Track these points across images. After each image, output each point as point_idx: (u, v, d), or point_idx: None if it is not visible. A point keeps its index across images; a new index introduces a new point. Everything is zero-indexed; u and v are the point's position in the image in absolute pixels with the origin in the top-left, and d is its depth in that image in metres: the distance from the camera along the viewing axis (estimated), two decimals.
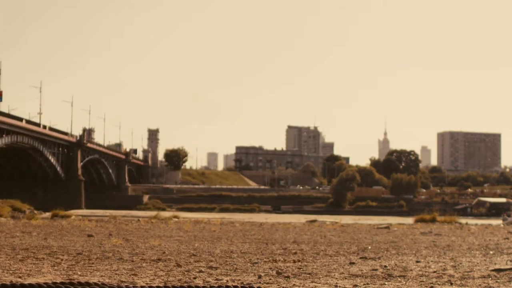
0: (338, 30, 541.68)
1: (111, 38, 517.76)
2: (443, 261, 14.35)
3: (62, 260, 13.11)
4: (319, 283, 9.92)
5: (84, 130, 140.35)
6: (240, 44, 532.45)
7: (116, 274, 10.74)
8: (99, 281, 8.74)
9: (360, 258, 14.91)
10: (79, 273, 10.81)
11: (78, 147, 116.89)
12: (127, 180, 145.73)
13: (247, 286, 8.65)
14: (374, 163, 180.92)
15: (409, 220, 53.36)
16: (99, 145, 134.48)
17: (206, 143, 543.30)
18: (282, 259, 14.18)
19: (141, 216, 58.64)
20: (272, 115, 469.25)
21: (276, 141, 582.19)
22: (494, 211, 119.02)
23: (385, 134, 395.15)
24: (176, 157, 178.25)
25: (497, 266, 12.82)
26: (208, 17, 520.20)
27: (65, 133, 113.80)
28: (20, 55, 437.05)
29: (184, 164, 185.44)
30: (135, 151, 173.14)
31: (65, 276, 10.32)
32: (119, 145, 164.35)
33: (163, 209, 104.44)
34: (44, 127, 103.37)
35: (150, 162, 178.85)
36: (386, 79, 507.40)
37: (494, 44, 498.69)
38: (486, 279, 10.83)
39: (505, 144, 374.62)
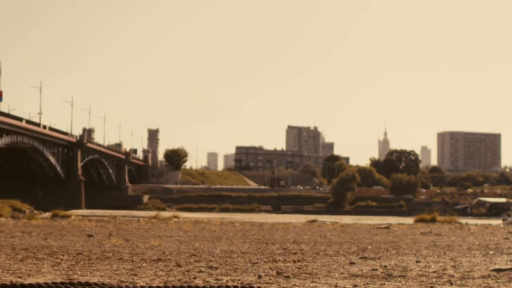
0: (338, 30, 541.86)
1: (111, 38, 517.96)
2: (443, 261, 14.35)
3: (62, 260, 13.11)
4: (319, 283, 9.92)
5: (84, 130, 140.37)
6: (240, 44, 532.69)
7: (116, 274, 10.74)
8: (99, 281, 8.74)
9: (360, 258, 14.91)
10: (79, 273, 10.81)
11: (78, 147, 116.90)
12: (127, 180, 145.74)
13: (247, 286, 8.65)
14: (374, 163, 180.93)
15: (409, 220, 53.36)
16: (99, 145, 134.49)
17: (206, 143, 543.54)
18: (282, 259, 14.18)
19: (141, 216, 58.64)
20: (272, 115, 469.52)
21: (276, 141, 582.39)
22: (494, 211, 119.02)
23: (385, 134, 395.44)
24: (176, 157, 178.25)
25: (497, 266, 12.82)
26: (208, 17, 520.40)
27: (65, 133, 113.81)
28: (20, 55, 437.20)
29: (184, 164, 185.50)
30: (135, 151, 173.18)
31: (65, 276, 10.32)
32: (119, 145, 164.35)
33: (163, 209, 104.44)
34: (44, 127, 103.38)
35: (150, 162, 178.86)
36: (386, 79, 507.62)
37: (494, 44, 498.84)
38: (486, 279, 10.83)
39: (505, 144, 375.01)
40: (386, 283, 10.13)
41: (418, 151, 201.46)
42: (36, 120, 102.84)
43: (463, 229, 33.53)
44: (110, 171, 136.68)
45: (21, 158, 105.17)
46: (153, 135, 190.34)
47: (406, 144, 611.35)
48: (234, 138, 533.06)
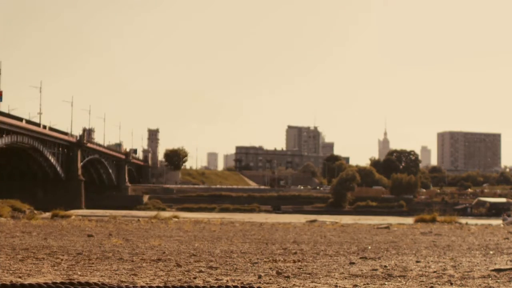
0: (338, 30, 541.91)
1: (111, 38, 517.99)
2: (443, 261, 14.35)
3: (62, 260, 13.11)
4: (319, 283, 9.92)
5: (84, 130, 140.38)
6: (240, 44, 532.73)
7: (116, 274, 10.74)
8: (99, 281, 8.74)
9: (360, 258, 14.90)
10: (79, 273, 10.81)
11: (78, 147, 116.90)
12: (127, 180, 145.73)
13: (247, 286, 8.65)
14: (374, 163, 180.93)
15: (409, 220, 53.34)
16: (99, 145, 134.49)
17: (206, 143, 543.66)
18: (282, 259, 14.17)
19: (141, 216, 58.63)
20: (272, 115, 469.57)
21: (276, 141, 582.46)
22: (494, 211, 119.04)
23: (385, 134, 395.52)
24: (176, 157, 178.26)
25: (497, 266, 12.82)
26: (208, 17, 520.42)
27: (65, 133, 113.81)
28: (20, 55, 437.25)
29: (184, 164, 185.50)
30: (135, 151, 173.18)
31: (65, 276, 10.32)
32: (119, 145, 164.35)
33: (163, 209, 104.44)
34: (44, 127, 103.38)
35: (150, 162, 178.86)
36: (386, 79, 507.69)
37: (494, 44, 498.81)
38: (486, 279, 10.83)
39: (505, 144, 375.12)
40: (386, 283, 10.13)
41: (418, 151, 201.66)
42: (36, 120, 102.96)
43: (463, 229, 33.52)
44: (110, 171, 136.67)
45: (21, 158, 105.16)
46: (153, 135, 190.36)
47: (406, 144, 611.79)
48: (234, 138, 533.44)
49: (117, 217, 46.80)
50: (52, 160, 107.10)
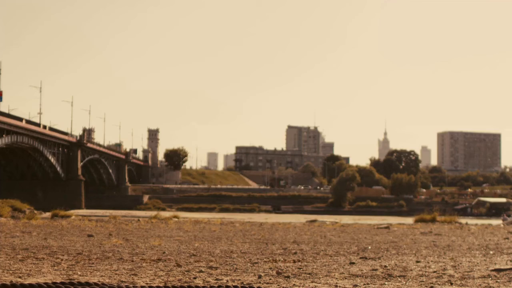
0: (338, 30, 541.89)
1: (110, 37, 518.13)
2: (443, 261, 14.35)
3: (62, 260, 13.10)
4: (319, 283, 9.92)
5: (84, 130, 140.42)
6: (240, 44, 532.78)
7: (116, 274, 10.73)
8: (99, 281, 8.73)
9: (360, 258, 14.90)
10: (79, 273, 10.81)
11: (78, 147, 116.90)
12: (127, 180, 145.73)
13: (247, 286, 8.65)
14: (374, 163, 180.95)
15: (409, 220, 53.29)
16: (99, 145, 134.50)
17: (206, 143, 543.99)
18: (282, 259, 14.17)
19: (141, 216, 58.62)
20: (272, 115, 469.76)
21: (276, 141, 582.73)
22: (494, 211, 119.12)
23: (385, 134, 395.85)
24: (176, 157, 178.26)
25: (497, 266, 12.81)
26: (208, 17, 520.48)
27: (65, 133, 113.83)
28: (20, 55, 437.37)
29: (184, 164, 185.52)
30: (135, 151, 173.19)
31: (65, 276, 10.32)
32: (119, 145, 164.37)
33: (163, 209, 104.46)
34: (44, 127, 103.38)
35: (150, 162, 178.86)
36: (386, 79, 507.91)
37: (494, 44, 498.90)
38: (486, 279, 10.83)
39: (505, 144, 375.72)
40: (386, 283, 10.12)
41: (418, 151, 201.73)
42: (36, 120, 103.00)
43: (463, 229, 33.51)
44: (110, 171, 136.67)
45: (21, 158, 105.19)
46: (153, 135, 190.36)
47: (406, 144, 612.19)
48: (234, 138, 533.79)
49: (117, 217, 46.76)
50: (52, 160, 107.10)
